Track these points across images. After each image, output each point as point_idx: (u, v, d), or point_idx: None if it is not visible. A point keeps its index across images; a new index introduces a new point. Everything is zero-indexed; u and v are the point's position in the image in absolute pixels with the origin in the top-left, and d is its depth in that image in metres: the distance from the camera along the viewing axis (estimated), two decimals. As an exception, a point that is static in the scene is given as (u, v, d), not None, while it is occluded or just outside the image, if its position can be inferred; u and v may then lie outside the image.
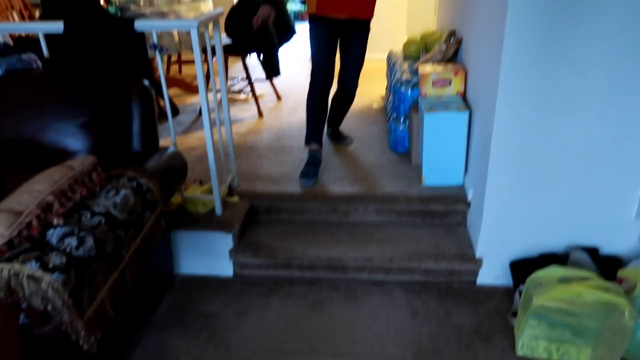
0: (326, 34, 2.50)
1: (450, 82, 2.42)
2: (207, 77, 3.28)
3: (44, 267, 1.25)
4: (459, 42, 2.58)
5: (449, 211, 2.34)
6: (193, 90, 4.13)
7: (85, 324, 1.30)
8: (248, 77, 3.68)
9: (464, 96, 2.43)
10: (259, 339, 1.89)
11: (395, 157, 2.80)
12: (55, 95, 1.87)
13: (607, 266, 1.90)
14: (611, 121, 1.77)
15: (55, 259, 1.28)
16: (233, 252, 2.22)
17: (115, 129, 1.92)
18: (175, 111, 3.73)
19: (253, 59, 3.92)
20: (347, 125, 3.24)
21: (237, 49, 3.49)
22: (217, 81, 3.65)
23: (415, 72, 2.77)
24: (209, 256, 2.25)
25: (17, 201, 1.37)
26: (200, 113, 3.71)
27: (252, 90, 3.69)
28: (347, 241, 2.27)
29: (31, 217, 1.34)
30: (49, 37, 2.08)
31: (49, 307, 1.23)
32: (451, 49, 2.59)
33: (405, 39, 3.36)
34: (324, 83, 2.56)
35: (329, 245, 2.24)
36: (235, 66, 4.90)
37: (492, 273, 2.13)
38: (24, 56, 2.01)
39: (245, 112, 3.74)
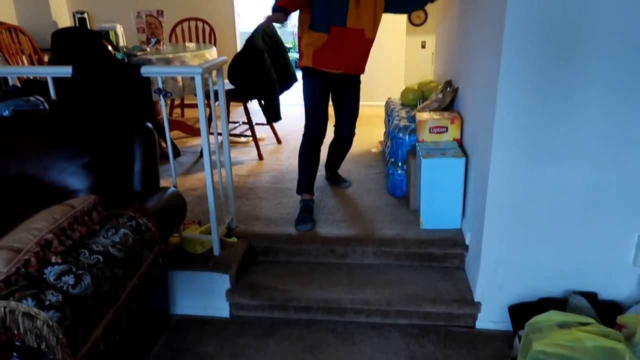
0: (321, 86, 2.57)
1: (447, 129, 2.47)
2: (209, 120, 3.35)
3: (40, 304, 1.25)
4: (455, 92, 2.66)
5: (447, 254, 2.34)
6: (195, 132, 4.20)
7: (78, 363, 1.28)
8: (249, 121, 3.76)
9: (460, 143, 2.48)
10: (254, 383, 1.85)
11: (393, 200, 2.82)
12: (59, 136, 1.92)
13: (606, 312, 1.89)
14: (604, 169, 1.81)
15: (51, 297, 1.28)
16: (230, 293, 2.21)
17: (117, 169, 1.96)
18: (177, 153, 3.78)
19: (254, 104, 4.01)
20: (346, 168, 3.28)
21: (239, 95, 3.59)
22: (219, 124, 3.71)
23: (412, 119, 2.84)
24: (205, 296, 2.23)
25: (16, 239, 1.38)
26: (201, 155, 3.76)
27: (253, 133, 3.76)
28: (344, 283, 2.25)
29: (30, 255, 1.35)
30: (56, 80, 2.16)
31: (43, 345, 1.22)
32: (447, 98, 2.66)
33: (403, 88, 3.45)
34: (319, 133, 2.59)
35: (326, 287, 2.23)
36: (237, 110, 5.00)
37: (491, 317, 2.11)
38: (32, 98, 2.07)
39: (245, 155, 3.80)
